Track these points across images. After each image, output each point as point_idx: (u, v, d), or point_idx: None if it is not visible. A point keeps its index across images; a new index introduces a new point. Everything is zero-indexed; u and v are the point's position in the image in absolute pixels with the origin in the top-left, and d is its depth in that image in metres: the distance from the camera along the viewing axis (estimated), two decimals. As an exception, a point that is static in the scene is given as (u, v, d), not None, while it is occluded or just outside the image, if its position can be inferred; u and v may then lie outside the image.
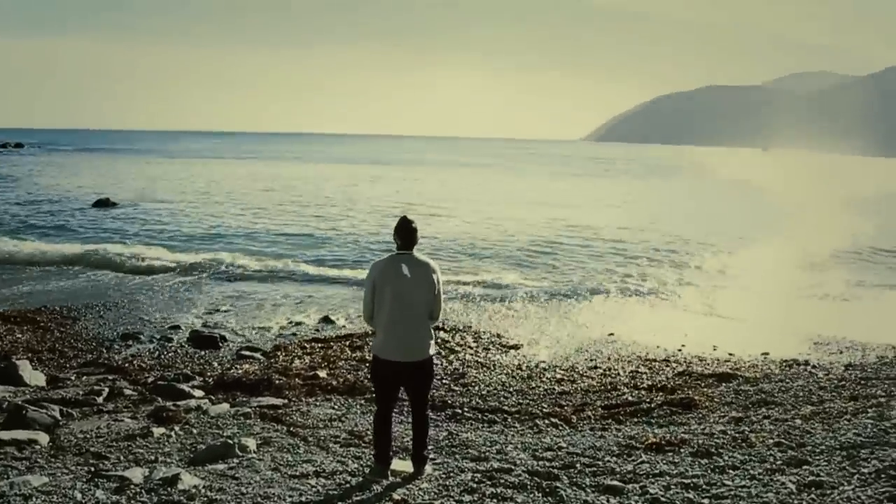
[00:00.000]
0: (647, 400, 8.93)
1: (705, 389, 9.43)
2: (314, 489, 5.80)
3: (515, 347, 12.55)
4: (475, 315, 15.31)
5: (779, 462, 5.93)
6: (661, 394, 9.27)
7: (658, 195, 54.49)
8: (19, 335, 12.77)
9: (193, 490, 5.68)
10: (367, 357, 10.68)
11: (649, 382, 9.94)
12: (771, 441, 6.59)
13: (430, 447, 7.00)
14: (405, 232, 5.89)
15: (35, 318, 14.02)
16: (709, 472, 5.85)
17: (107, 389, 9.35)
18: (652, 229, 31.20)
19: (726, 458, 6.20)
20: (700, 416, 8.17)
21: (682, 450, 6.57)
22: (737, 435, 6.93)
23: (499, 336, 13.34)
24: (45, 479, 6.05)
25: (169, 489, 5.68)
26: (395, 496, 5.55)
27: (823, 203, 44.97)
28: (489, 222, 32.37)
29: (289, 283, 18.83)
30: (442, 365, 11.01)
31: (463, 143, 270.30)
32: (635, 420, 8.14)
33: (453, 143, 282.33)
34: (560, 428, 7.93)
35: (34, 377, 10.19)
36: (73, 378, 10.27)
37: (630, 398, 9.12)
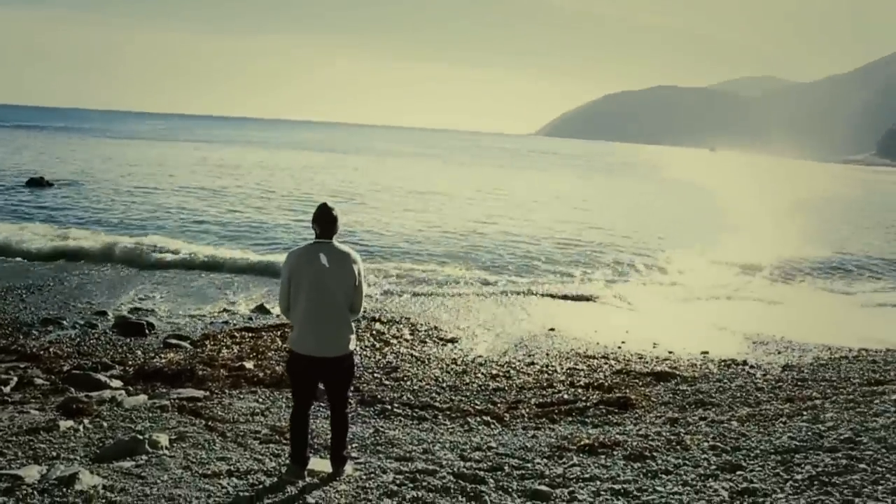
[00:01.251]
0: (584, 398, 8.71)
1: (643, 388, 9.26)
2: (224, 490, 5.41)
3: (453, 341, 12.26)
4: (413, 307, 15.01)
5: (713, 467, 5.75)
6: (597, 392, 9.06)
7: (604, 192, 54.68)
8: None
9: (92, 491, 5.24)
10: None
11: (586, 380, 9.72)
12: (706, 444, 6.42)
13: (352, 446, 6.68)
14: (325, 219, 5.51)
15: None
16: (641, 476, 5.64)
17: (15, 379, 8.79)
18: (597, 226, 31.28)
19: (660, 461, 6.00)
20: (636, 416, 7.98)
21: (615, 452, 6.35)
22: (672, 437, 6.74)
23: (436, 329, 13.04)
24: (-71, 480, 5.55)
25: (64, 490, 5.23)
26: (310, 499, 5.20)
27: (768, 205, 45.68)
28: (430, 214, 32.08)
29: (226, 271, 18.19)
30: (375, 358, 10.66)
31: (412, 134, 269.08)
32: (570, 419, 7.91)
33: (407, 133, 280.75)
34: (492, 426, 7.65)
35: (-63, 366, 9.57)
36: (-20, 366, 9.64)
37: (566, 396, 8.88)
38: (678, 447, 6.40)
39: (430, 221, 29.66)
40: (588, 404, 8.39)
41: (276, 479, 5.66)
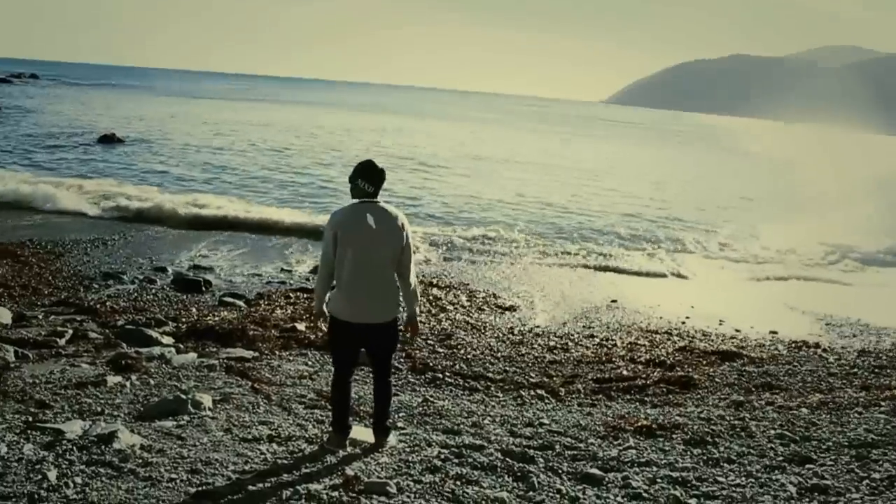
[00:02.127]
0: (643, 376, 8.29)
1: (706, 368, 8.79)
2: (262, 456, 5.24)
3: (511, 309, 11.96)
4: (473, 273, 14.75)
5: (780, 458, 5.34)
6: (658, 370, 8.63)
7: (674, 163, 53.15)
8: (-5, 266, 12.24)
9: (129, 450, 5.13)
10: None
11: (647, 356, 9.29)
12: (773, 432, 6.00)
13: (399, 415, 6.46)
14: (371, 175, 5.17)
15: (16, 252, 13.49)
16: (701, 464, 5.27)
17: (70, 331, 8.81)
18: (665, 198, 30.37)
19: (722, 448, 5.61)
20: (698, 397, 7.57)
21: (674, 435, 5.98)
22: (736, 422, 6.33)
23: (494, 296, 12.74)
24: (-24, 428, 5.53)
25: (103, 447, 5.14)
26: (349, 471, 4.98)
27: (847, 182, 43.74)
28: (499, 180, 31.59)
29: (286, 233, 18.11)
30: (430, 324, 10.43)
31: (481, 98, 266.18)
32: (628, 397, 7.54)
33: (474, 97, 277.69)
34: (545, 401, 7.34)
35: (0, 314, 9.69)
36: (40, 317, 9.72)
37: (625, 372, 8.48)
38: (742, 433, 6.00)
39: (496, 188, 29.20)
40: (648, 382, 7.99)
41: (316, 447, 5.47)
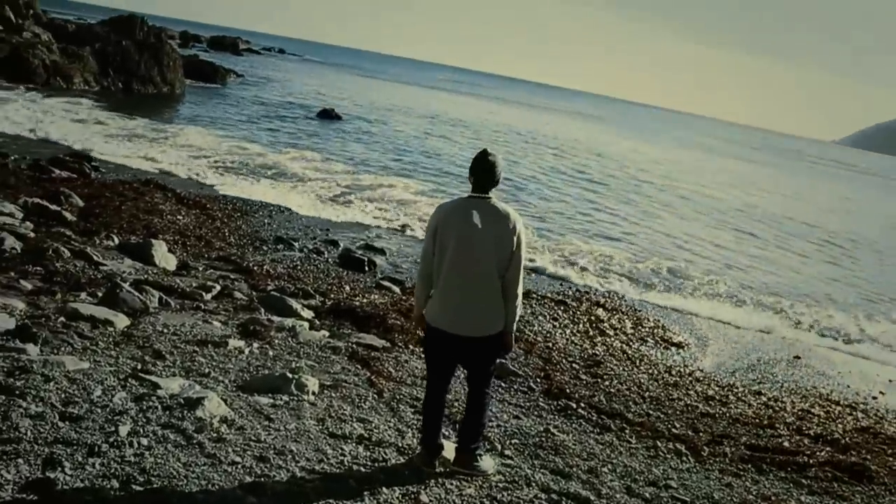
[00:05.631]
0: (808, 452, 6.99)
1: (890, 458, 7.31)
2: (341, 457, 4.78)
3: (678, 346, 10.85)
4: (653, 296, 13.65)
5: None
6: (827, 449, 7.26)
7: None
8: (181, 217, 12.80)
9: (209, 420, 4.86)
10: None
11: (818, 430, 7.89)
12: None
13: (512, 441, 5.80)
14: (482, 169, 4.53)
15: (205, 205, 14.12)
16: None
17: (218, 287, 8.88)
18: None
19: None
20: (872, 493, 6.25)
21: (828, 537, 4.88)
22: (915, 537, 5.10)
23: (664, 328, 11.65)
24: (85, 366, 5.50)
25: (185, 412, 4.90)
26: (423, 497, 4.40)
27: None
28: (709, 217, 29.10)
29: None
30: (581, 346, 9.62)
31: (699, 122, 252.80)
32: (782, 475, 6.35)
33: (692, 120, 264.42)
34: (683, 459, 6.34)
35: (166, 259, 10.00)
36: (200, 269, 9.95)
37: (786, 444, 7.19)
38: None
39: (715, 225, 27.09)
40: (811, 462, 6.72)
41: (404, 459, 4.94)
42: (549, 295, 12.26)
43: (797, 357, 11.37)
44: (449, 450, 5.01)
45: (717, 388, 8.95)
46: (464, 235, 4.47)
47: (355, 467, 4.68)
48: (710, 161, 60.75)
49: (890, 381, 10.95)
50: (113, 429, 4.51)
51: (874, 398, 9.97)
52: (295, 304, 8.77)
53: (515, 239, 4.50)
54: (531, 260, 14.70)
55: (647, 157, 49.72)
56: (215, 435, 4.69)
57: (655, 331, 11.43)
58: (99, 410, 4.74)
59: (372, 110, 44.70)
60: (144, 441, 4.43)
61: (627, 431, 6.81)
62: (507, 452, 5.57)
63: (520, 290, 4.61)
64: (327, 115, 37.34)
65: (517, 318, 4.67)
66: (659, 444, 6.57)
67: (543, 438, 6.10)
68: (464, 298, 4.51)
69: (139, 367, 5.74)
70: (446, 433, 5.38)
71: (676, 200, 30.30)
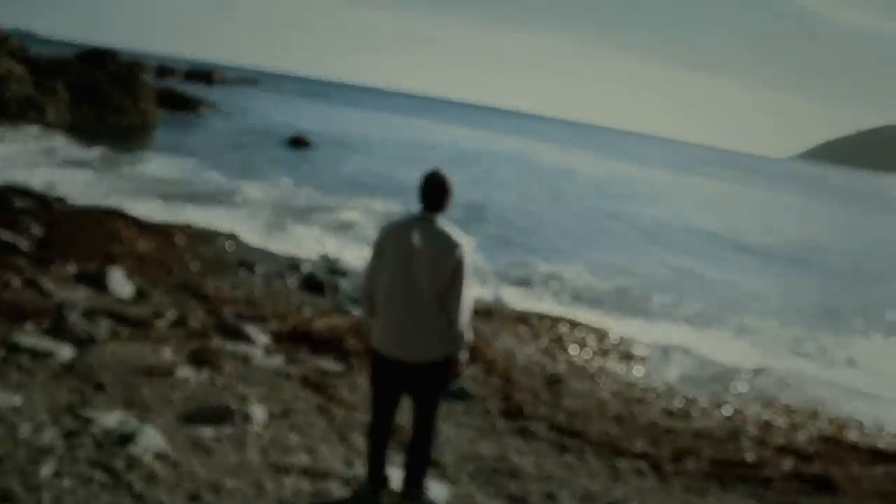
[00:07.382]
0: (771, 464, 6.87)
1: (853, 467, 7.15)
2: (281, 491, 4.60)
3: (641, 359, 10.74)
4: (614, 313, 13.56)
5: None
6: (791, 458, 7.12)
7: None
8: (141, 244, 12.55)
9: (142, 456, 4.65)
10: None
11: (782, 441, 7.72)
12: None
13: (467, 467, 5.61)
14: (430, 188, 4.33)
15: (167, 232, 13.87)
16: None
17: (171, 315, 8.67)
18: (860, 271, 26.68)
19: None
20: (836, 502, 6.15)
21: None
22: (874, 553, 4.99)
23: (627, 343, 11.52)
24: (19, 403, 5.28)
25: (119, 448, 4.70)
26: (367, 531, 4.23)
27: None
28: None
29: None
30: (542, 363, 9.48)
31: (669, 145, 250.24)
32: (746, 489, 6.23)
33: (663, 143, 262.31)
34: (644, 477, 6.20)
35: (123, 287, 9.76)
36: (156, 295, 9.72)
37: (748, 457, 7.04)
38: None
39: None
40: (776, 473, 6.60)
41: (347, 492, 4.76)
42: (509, 313, 12.14)
43: (759, 369, 11.28)
44: (397, 479, 4.84)
45: (680, 403, 8.83)
46: (403, 256, 4.28)
47: (295, 502, 4.50)
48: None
49: (855, 391, 10.86)
50: (35, 469, 4.30)
51: (834, 406, 9.87)
52: (250, 330, 8.57)
53: (456, 261, 4.23)
54: (485, 281, 14.40)
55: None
56: (146, 472, 4.49)
57: (618, 344, 11.35)
58: (24, 449, 4.52)
59: (343, 137, 44.67)
60: (67, 483, 4.22)
61: (588, 452, 6.66)
62: (461, 479, 5.40)
63: (464, 315, 4.32)
64: (298, 143, 37.28)
65: (465, 345, 4.39)
66: (620, 464, 6.43)
67: (500, 462, 5.95)
68: (404, 322, 4.29)
69: (78, 400, 5.54)
70: (398, 459, 5.21)
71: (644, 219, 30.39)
